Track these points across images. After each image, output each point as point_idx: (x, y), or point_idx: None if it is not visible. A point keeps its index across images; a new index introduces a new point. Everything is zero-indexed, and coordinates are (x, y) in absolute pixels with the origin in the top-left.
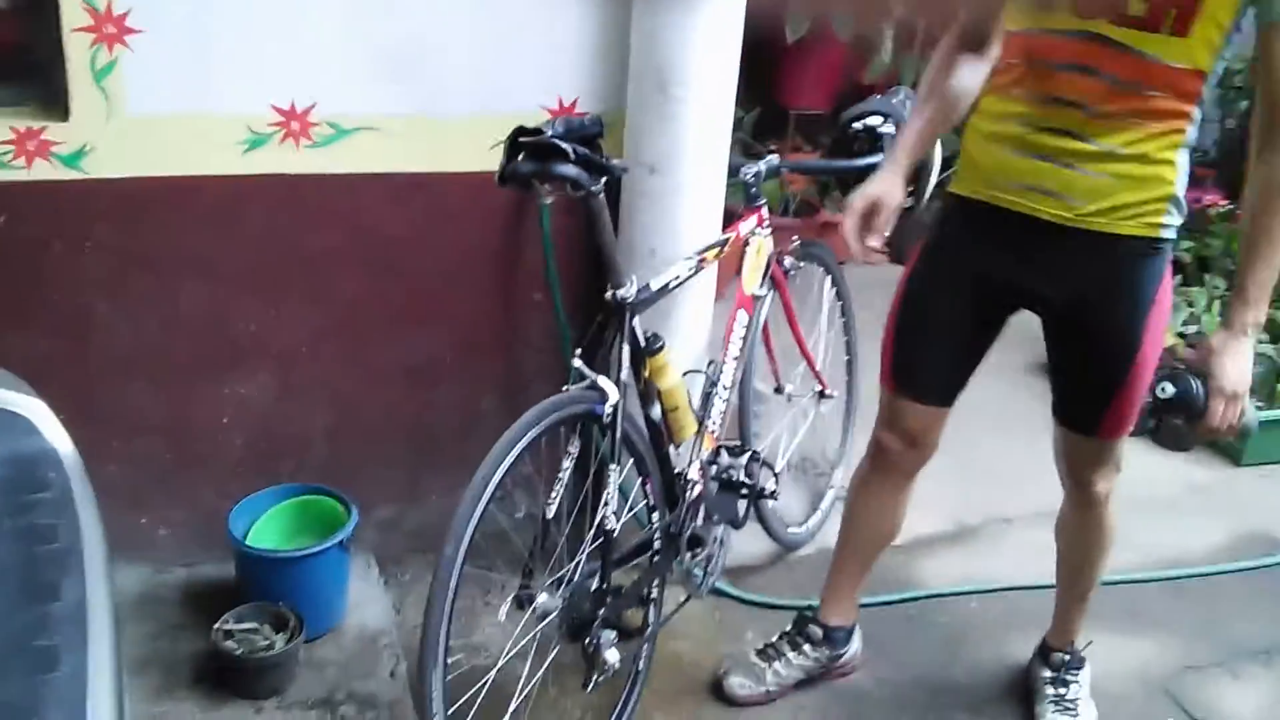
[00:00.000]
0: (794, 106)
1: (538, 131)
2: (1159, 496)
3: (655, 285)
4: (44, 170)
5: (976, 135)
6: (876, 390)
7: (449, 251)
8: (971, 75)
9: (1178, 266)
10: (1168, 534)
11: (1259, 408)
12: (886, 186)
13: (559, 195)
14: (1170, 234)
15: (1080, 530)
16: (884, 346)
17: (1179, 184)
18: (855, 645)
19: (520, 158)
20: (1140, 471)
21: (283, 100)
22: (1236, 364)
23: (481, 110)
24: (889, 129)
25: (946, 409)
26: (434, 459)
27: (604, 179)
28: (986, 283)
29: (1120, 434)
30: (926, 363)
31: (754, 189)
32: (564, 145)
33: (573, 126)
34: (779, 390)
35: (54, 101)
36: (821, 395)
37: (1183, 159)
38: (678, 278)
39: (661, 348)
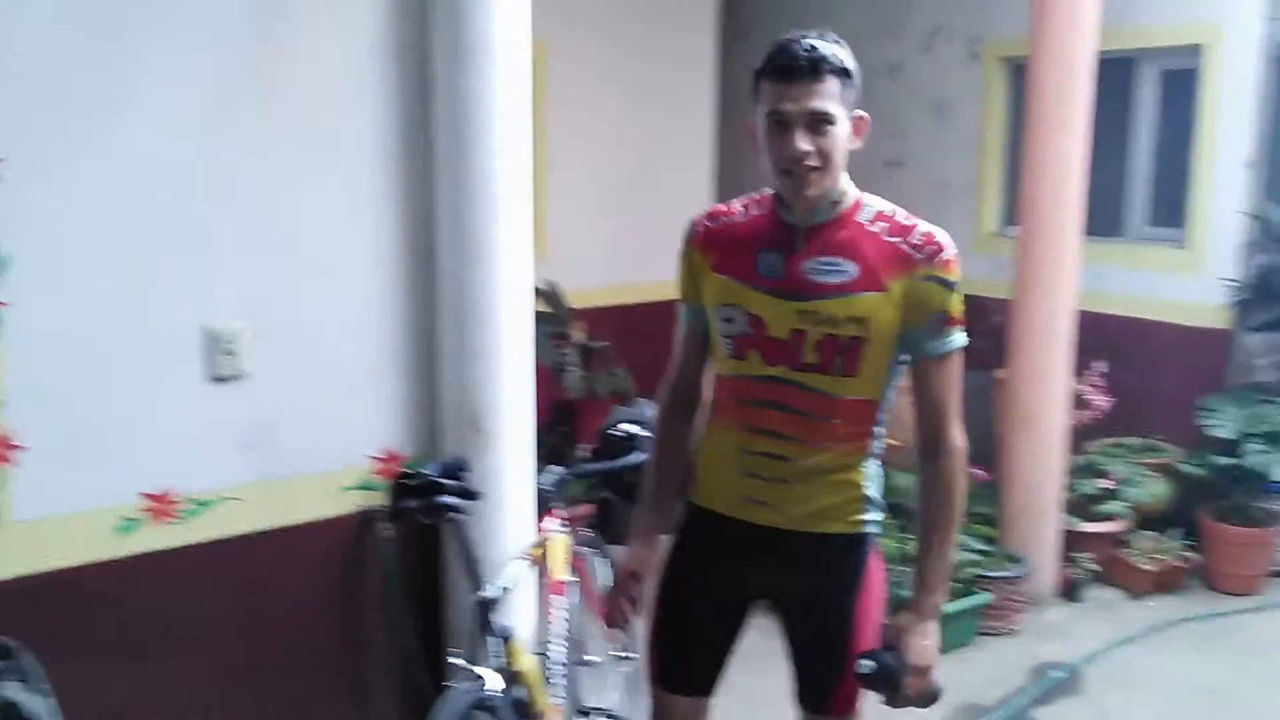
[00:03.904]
0: None
1: (419, 475)
2: None
3: (504, 584)
4: None
5: (705, 459)
6: None
7: (303, 592)
8: (690, 427)
9: None
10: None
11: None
12: (637, 561)
13: (415, 523)
14: (872, 528)
15: None
16: (649, 648)
17: (871, 488)
18: None
19: (407, 496)
20: None
21: (150, 486)
22: (924, 643)
23: (320, 468)
24: (642, 431)
25: (709, 698)
26: None
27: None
28: (725, 582)
29: (851, 711)
30: (686, 661)
31: (549, 494)
32: (443, 481)
33: (444, 467)
34: (584, 663)
35: None
36: (621, 659)
37: (872, 467)
38: (518, 575)
39: (515, 636)
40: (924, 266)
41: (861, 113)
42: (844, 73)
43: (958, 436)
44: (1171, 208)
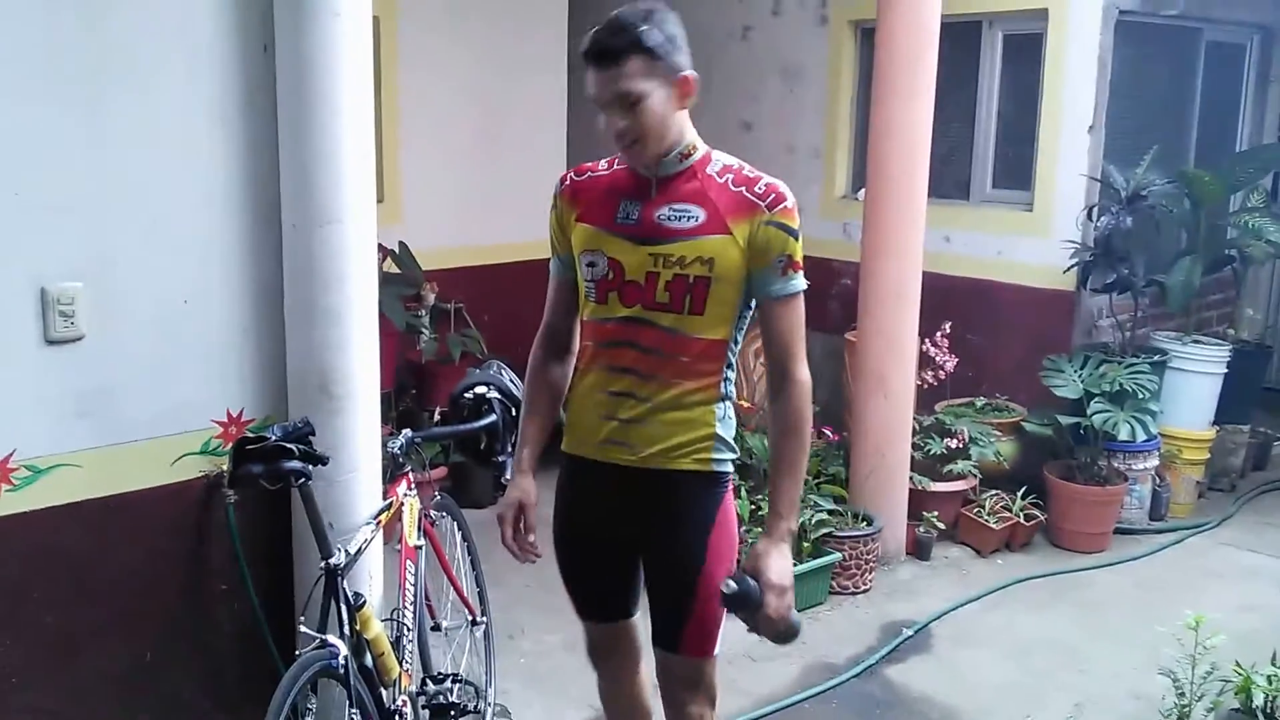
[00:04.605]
0: None
1: (262, 439)
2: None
3: (353, 550)
4: None
5: (572, 406)
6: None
7: (145, 560)
8: (562, 369)
9: None
10: (755, 680)
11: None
12: (522, 490)
13: (260, 489)
14: (724, 467)
15: None
16: (564, 583)
17: (721, 427)
18: None
19: (249, 462)
20: None
21: None
22: (780, 563)
23: (162, 433)
24: (493, 394)
25: (630, 619)
26: None
27: (320, 467)
28: (602, 524)
29: (704, 652)
30: (593, 592)
31: (400, 458)
32: (289, 445)
33: (289, 430)
34: (435, 628)
35: None
36: (474, 623)
37: (722, 408)
38: (367, 541)
39: (365, 603)
40: (766, 213)
41: (687, 73)
42: (647, 50)
43: (802, 371)
44: (1018, 171)
